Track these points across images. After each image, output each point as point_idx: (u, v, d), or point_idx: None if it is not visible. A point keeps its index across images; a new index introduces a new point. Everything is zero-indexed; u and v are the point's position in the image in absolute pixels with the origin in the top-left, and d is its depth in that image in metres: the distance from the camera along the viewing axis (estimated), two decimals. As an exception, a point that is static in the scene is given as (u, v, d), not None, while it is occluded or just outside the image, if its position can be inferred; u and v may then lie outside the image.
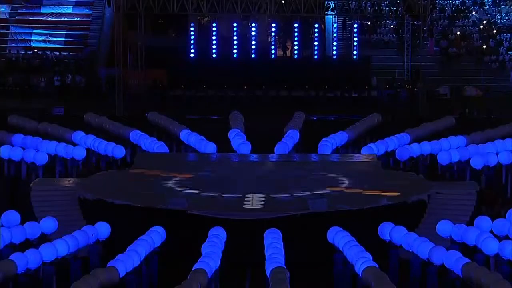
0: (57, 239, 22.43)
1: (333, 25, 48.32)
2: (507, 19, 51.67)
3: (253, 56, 45.19)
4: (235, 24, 44.86)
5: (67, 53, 48.59)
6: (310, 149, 35.00)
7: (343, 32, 48.84)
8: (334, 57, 46.07)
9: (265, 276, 19.87)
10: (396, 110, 41.36)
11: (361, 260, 20.32)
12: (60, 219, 24.75)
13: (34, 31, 49.72)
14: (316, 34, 45.18)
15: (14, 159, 32.60)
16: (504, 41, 49.65)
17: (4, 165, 32.85)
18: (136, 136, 35.38)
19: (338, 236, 22.92)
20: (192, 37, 44.78)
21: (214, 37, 44.67)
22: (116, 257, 20.60)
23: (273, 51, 46.39)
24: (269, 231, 23.25)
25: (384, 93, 45.09)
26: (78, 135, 34.89)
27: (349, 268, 21.48)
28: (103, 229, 24.06)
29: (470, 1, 52.91)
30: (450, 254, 21.12)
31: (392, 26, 50.70)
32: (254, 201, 25.84)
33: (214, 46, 44.76)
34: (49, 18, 50.56)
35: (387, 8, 45.11)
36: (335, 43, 46.43)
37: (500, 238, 22.98)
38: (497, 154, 32.10)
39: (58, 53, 48.39)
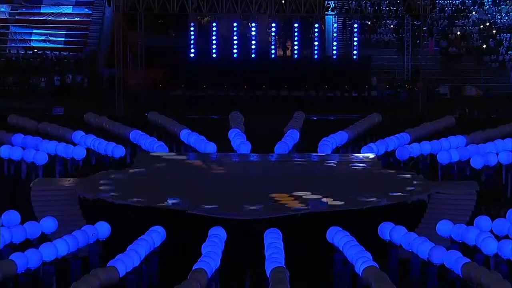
0: (57, 239, 22.44)
1: (333, 25, 48.35)
2: (507, 19, 51.69)
3: (253, 56, 45.19)
4: (235, 24, 44.86)
5: (67, 53, 48.60)
6: (310, 149, 34.99)
7: (343, 32, 48.85)
8: (334, 57, 46.06)
9: (265, 276, 19.87)
10: (396, 110, 41.36)
11: (361, 260, 20.33)
12: (60, 219, 24.75)
13: (34, 31, 49.73)
14: (316, 34, 45.18)
15: (14, 159, 32.61)
16: (504, 41, 49.66)
17: (4, 165, 32.86)
18: (136, 136, 35.38)
19: (338, 236, 22.93)
20: (192, 37, 44.79)
21: (214, 37, 44.67)
22: (116, 257, 20.61)
23: (273, 51, 46.39)
24: (269, 231, 23.25)
25: (384, 93, 45.10)
26: (78, 135, 34.89)
27: (349, 268, 21.48)
28: (103, 229, 24.07)
29: (470, 1, 52.92)
30: (450, 254, 21.12)
31: (392, 26, 50.72)
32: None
33: (214, 46, 44.76)
34: (49, 18, 50.57)
35: (387, 8, 45.11)
36: (335, 43, 46.43)
37: (500, 238, 22.99)
38: (497, 154, 32.10)
39: (58, 53, 48.40)
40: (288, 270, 19.55)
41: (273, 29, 46.28)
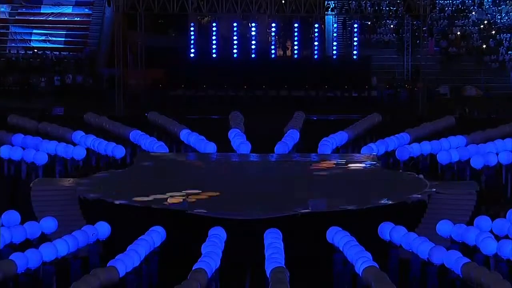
0: (57, 239, 22.44)
1: (333, 25, 48.34)
2: (507, 19, 51.68)
3: (253, 56, 45.19)
4: (235, 24, 44.86)
5: (67, 53, 48.60)
6: (310, 149, 35.00)
7: (343, 32, 48.85)
8: (334, 57, 46.05)
9: (265, 276, 19.87)
10: (396, 110, 41.35)
11: (361, 260, 20.34)
12: (60, 219, 24.75)
13: (34, 31, 49.72)
14: (316, 34, 45.19)
15: (14, 159, 32.61)
16: (504, 41, 49.66)
17: (4, 165, 32.86)
18: (136, 136, 35.39)
19: (338, 236, 22.93)
20: (192, 37, 44.79)
21: (214, 37, 44.68)
22: (116, 257, 20.61)
23: (273, 51, 46.39)
24: (269, 231, 23.25)
25: (384, 93, 45.08)
26: (78, 135, 34.89)
27: (349, 268, 21.49)
28: (103, 229, 24.07)
29: (470, 1, 52.92)
30: (450, 254, 21.13)
31: (392, 26, 50.71)
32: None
33: (214, 46, 44.77)
34: (49, 18, 50.57)
35: (387, 8, 45.11)
36: (335, 43, 46.42)
37: (500, 238, 22.99)
38: (497, 154, 32.10)
39: (58, 53, 48.40)
40: (288, 270, 19.54)
41: (273, 29, 46.26)
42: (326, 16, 46.71)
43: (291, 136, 35.33)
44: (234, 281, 22.63)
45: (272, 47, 46.36)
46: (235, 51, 44.90)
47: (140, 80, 43.86)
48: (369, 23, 50.38)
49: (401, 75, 46.80)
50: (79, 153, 33.18)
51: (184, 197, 26.51)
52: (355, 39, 45.29)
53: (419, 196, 27.11)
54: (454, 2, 52.99)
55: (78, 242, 22.59)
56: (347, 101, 43.21)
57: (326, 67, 45.49)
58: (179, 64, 44.90)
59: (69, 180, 29.95)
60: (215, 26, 44.64)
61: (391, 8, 44.80)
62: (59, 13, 50.73)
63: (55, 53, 48.29)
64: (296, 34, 44.89)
